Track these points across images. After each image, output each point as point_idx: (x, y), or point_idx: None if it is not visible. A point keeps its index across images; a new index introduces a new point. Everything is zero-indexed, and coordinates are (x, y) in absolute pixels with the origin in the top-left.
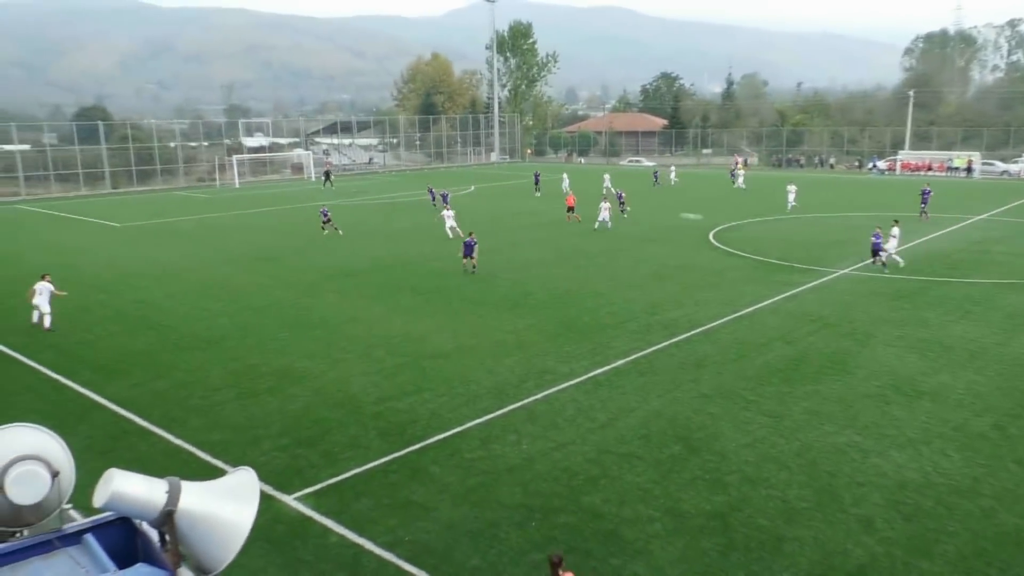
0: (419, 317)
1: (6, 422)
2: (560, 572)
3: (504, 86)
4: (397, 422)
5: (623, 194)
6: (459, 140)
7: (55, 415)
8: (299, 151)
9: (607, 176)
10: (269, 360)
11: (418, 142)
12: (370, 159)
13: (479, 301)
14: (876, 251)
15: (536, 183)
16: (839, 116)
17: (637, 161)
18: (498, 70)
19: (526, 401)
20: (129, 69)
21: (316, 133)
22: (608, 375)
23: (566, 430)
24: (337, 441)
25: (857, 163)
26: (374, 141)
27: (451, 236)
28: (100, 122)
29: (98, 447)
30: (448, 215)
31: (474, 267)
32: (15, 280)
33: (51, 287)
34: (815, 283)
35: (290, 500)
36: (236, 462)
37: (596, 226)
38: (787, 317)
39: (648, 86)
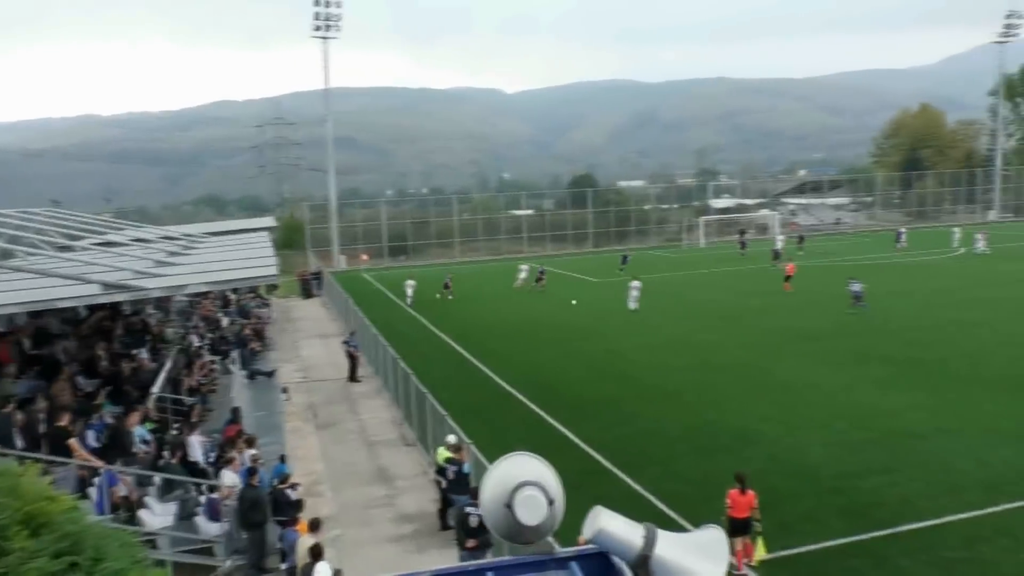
0: (890, 390)
1: (502, 447)
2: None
3: (1011, 136)
4: (860, 502)
5: None
6: (948, 197)
7: (537, 446)
8: (764, 211)
9: None
10: (726, 419)
11: (897, 200)
12: (837, 219)
13: (968, 378)
14: None
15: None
16: None
17: None
18: (1004, 118)
19: None
20: (616, 140)
21: (784, 193)
22: None
23: None
24: (792, 512)
25: None
26: (845, 200)
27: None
28: (589, 189)
29: (569, 481)
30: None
31: None
32: (506, 323)
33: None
34: None
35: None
36: (690, 515)
37: None
38: None
39: None
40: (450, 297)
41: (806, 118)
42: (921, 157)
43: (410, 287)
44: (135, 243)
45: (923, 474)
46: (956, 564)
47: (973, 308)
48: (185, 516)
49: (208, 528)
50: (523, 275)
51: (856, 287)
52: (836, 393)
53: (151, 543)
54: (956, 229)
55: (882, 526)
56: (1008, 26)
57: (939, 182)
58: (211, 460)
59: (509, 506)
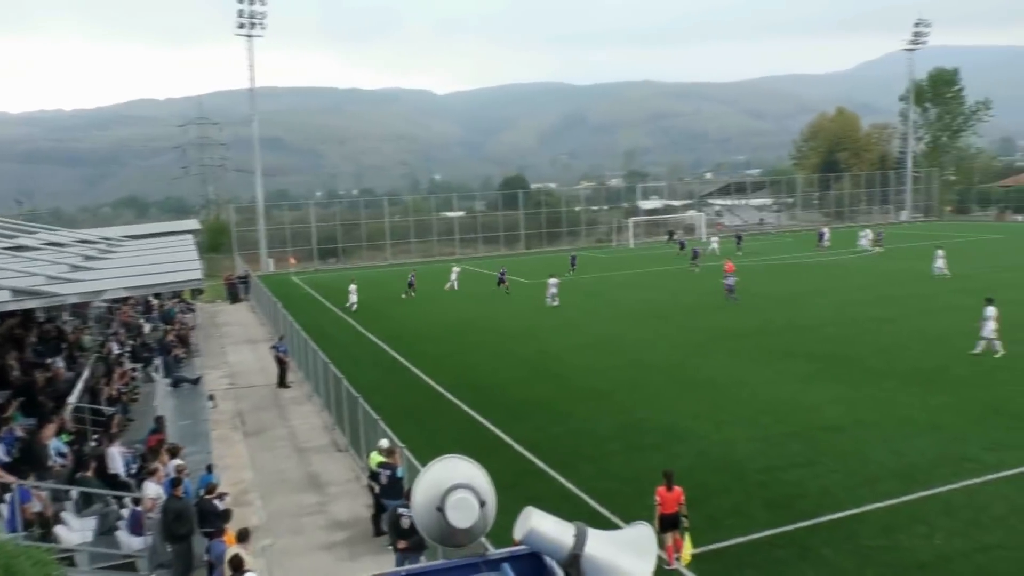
0: (812, 385)
1: (436, 450)
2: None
3: (920, 139)
4: (784, 494)
5: None
6: (864, 198)
7: (471, 448)
8: (692, 212)
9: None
10: (656, 416)
11: (816, 201)
12: (761, 220)
13: (883, 372)
14: None
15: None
16: None
17: None
18: (914, 122)
19: (940, 490)
20: (547, 142)
21: (710, 195)
22: None
23: (993, 530)
24: (720, 506)
25: None
26: (768, 201)
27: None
28: (520, 191)
29: (503, 482)
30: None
31: None
32: (439, 325)
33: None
34: None
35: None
36: (623, 513)
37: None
38: None
39: None
40: (413, 295)
41: (730, 121)
42: (838, 159)
43: (353, 292)
44: (48, 247)
45: (842, 465)
46: (875, 552)
47: (886, 305)
48: (105, 531)
49: (130, 542)
50: (454, 276)
51: (730, 280)
52: (761, 389)
53: (68, 560)
54: (868, 230)
55: (805, 517)
56: (917, 34)
57: (855, 183)
58: (133, 472)
59: (441, 509)
